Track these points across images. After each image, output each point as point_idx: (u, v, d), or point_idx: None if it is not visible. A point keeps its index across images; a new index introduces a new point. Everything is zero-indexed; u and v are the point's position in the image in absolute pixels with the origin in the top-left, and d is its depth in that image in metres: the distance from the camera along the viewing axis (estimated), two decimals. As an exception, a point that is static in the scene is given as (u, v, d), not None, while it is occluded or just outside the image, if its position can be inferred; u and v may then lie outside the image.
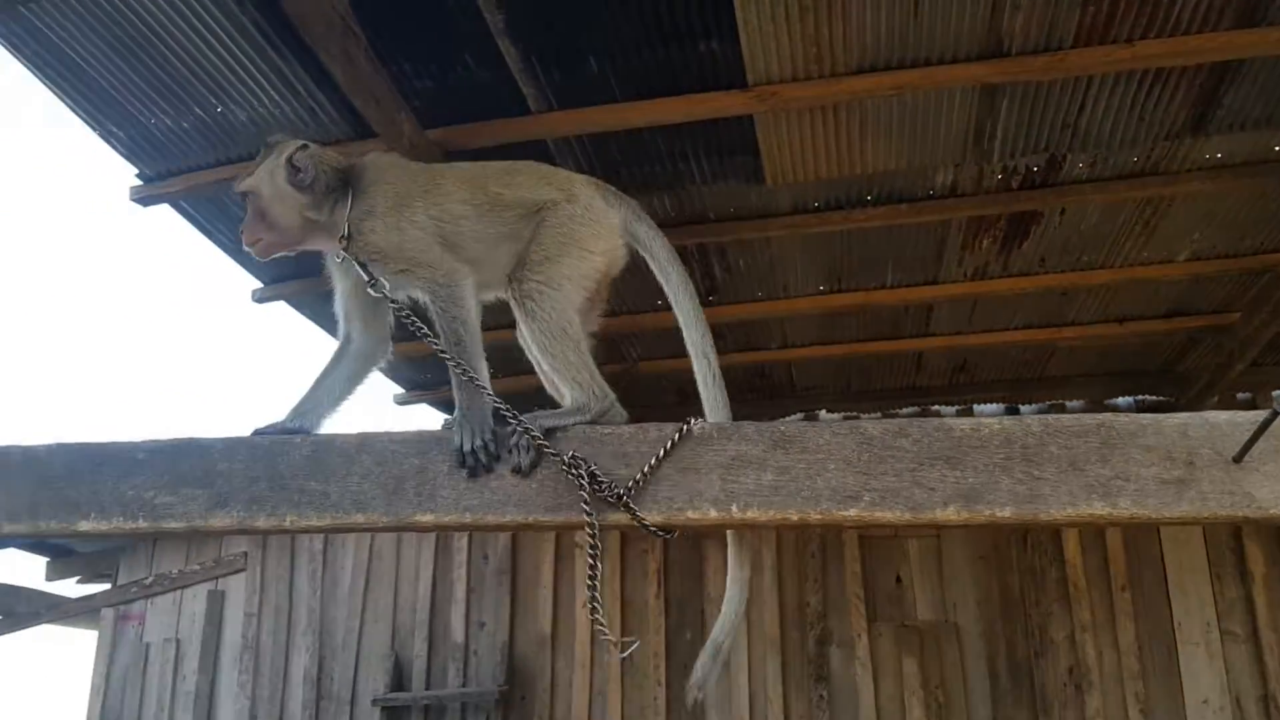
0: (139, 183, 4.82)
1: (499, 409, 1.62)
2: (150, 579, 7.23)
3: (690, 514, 1.45)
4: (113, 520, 1.59)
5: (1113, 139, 4.41)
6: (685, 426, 1.60)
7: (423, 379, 6.53)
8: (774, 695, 6.37)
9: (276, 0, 3.49)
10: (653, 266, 1.99)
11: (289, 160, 1.80)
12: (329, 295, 5.94)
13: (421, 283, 1.76)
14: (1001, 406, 7.26)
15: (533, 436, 1.56)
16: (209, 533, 1.59)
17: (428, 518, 1.52)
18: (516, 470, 1.55)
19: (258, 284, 5.70)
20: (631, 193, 4.81)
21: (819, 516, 1.39)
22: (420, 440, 1.56)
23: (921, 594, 6.54)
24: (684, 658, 6.53)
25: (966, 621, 6.43)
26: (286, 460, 1.59)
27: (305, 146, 1.83)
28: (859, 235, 5.16)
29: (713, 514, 1.39)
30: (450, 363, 1.69)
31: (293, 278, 5.67)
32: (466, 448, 1.53)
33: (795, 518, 1.40)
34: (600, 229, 1.89)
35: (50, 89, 4.26)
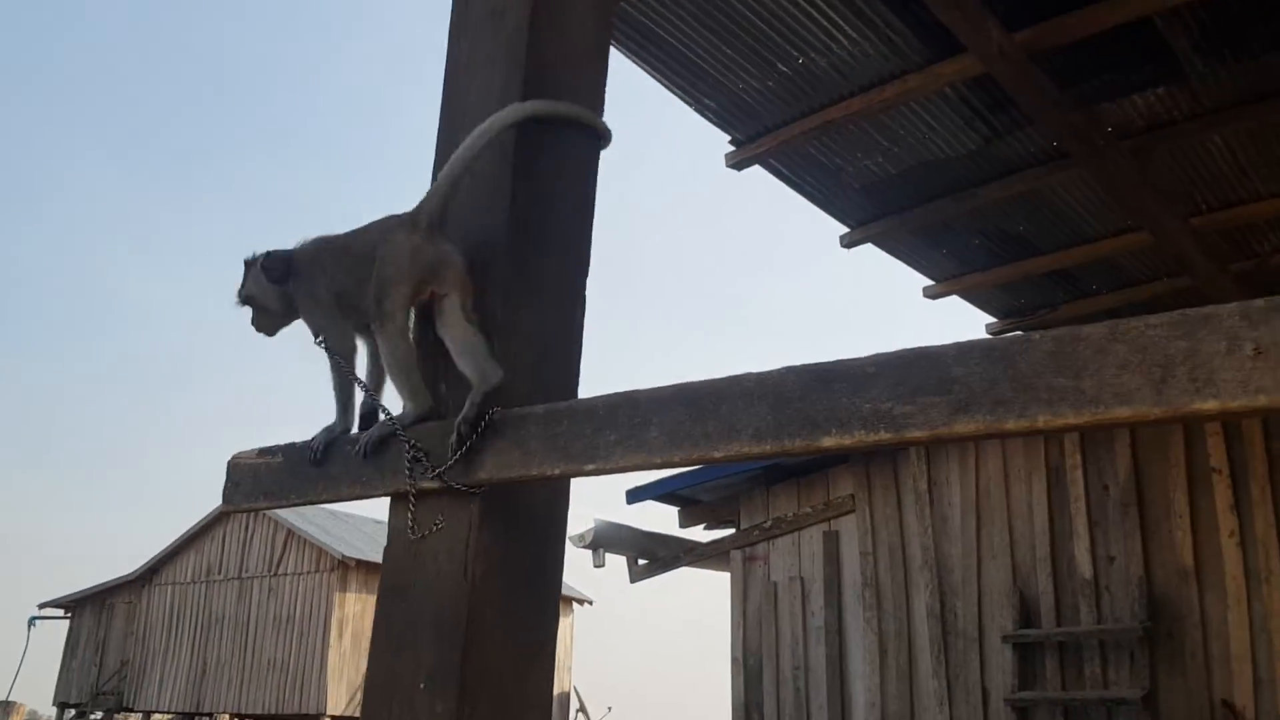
0: (732, 149, 5.12)
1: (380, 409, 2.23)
2: (769, 522, 7.76)
3: None
4: (854, 434, 1.61)
5: None
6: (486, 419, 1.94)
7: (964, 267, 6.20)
8: None
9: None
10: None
11: (261, 266, 2.35)
12: (918, 232, 5.90)
13: (325, 345, 2.29)
14: None
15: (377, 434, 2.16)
16: (952, 439, 1.55)
17: (1210, 404, 1.33)
18: (360, 454, 2.14)
19: (844, 229, 5.81)
20: (1260, 54, 4.19)
21: None
22: (1185, 321, 1.37)
23: None
24: (1371, 593, 5.55)
25: None
26: (1027, 359, 1.49)
27: (269, 254, 2.35)
28: None
29: None
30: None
31: (878, 218, 5.69)
32: (314, 444, 2.22)
33: None
34: (402, 262, 2.17)
35: (649, 73, 4.65)
